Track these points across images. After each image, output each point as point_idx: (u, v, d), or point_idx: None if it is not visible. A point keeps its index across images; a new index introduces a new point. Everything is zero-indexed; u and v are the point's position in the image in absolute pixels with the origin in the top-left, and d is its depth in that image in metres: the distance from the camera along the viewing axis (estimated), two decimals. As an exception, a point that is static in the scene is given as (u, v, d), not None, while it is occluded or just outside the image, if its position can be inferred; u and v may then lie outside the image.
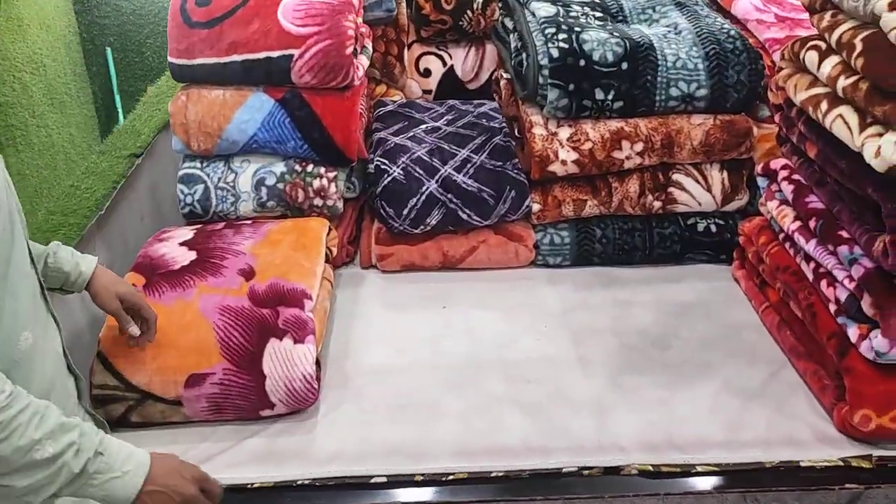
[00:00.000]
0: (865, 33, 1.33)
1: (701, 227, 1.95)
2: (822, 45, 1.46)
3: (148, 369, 1.41)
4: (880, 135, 1.27)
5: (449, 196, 1.87)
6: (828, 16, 1.45)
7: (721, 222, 1.96)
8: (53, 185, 3.49)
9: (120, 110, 4.45)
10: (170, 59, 1.83)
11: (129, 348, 1.42)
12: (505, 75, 2.12)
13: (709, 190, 1.91)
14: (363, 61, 1.95)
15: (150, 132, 2.50)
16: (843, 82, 1.37)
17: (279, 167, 1.89)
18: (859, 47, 1.32)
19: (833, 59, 1.42)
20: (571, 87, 1.79)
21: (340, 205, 1.92)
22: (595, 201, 1.90)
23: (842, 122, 1.37)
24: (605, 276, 1.94)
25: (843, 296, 1.44)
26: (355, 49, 1.87)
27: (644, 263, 1.97)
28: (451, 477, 1.35)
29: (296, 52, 1.78)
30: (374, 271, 1.97)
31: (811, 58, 1.48)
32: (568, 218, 1.93)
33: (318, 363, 1.53)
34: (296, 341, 1.46)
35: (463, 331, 1.74)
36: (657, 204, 1.91)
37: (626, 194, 1.90)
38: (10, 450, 0.90)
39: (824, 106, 1.42)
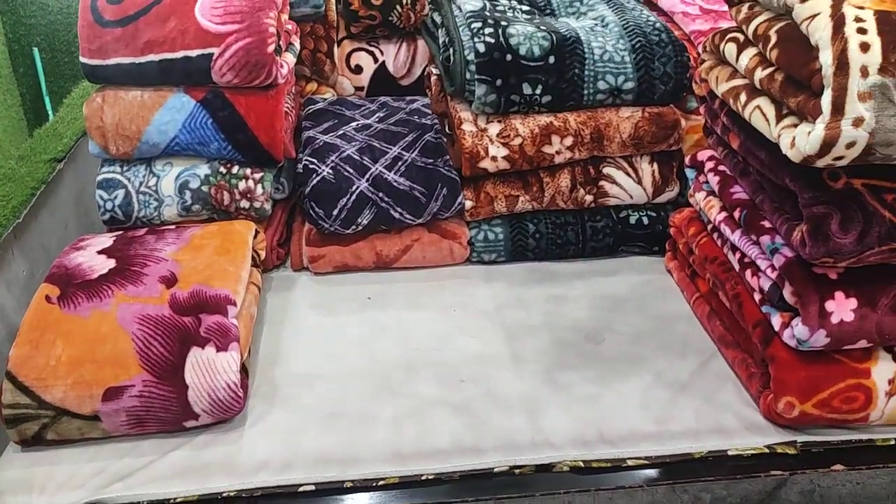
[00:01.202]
0: (779, 25, 1.34)
1: (633, 219, 1.96)
2: (741, 37, 1.48)
3: (62, 385, 1.35)
4: (795, 125, 1.28)
5: (380, 195, 1.84)
6: (745, 8, 1.47)
7: (653, 214, 1.97)
8: (-21, 191, 3.35)
9: (50, 112, 4.30)
10: (82, 58, 1.76)
11: (42, 365, 1.36)
12: (435, 71, 2.10)
13: (639, 182, 1.92)
14: (288, 59, 1.91)
15: (73, 135, 2.41)
16: (759, 74, 1.38)
17: (203, 169, 1.84)
18: (774, 39, 1.34)
19: (750, 51, 1.43)
20: (499, 82, 1.78)
21: (268, 206, 1.88)
22: (527, 196, 1.89)
23: (759, 114, 1.38)
24: (540, 272, 1.94)
25: (766, 285, 1.46)
26: (278, 46, 1.82)
27: (578, 257, 1.98)
28: (381, 482, 1.33)
29: (215, 51, 1.73)
30: (305, 274, 1.94)
31: (730, 50, 1.49)
32: (501, 214, 1.92)
33: (244, 370, 1.49)
34: (219, 349, 1.41)
35: (395, 333, 1.71)
36: (589, 198, 1.92)
37: (557, 189, 1.90)
38: None
39: (743, 97, 1.44)
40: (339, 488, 1.32)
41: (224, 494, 1.31)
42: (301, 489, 1.32)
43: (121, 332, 1.42)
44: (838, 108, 1.17)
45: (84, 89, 2.69)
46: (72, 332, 1.41)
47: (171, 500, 1.30)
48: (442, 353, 1.65)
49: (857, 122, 1.17)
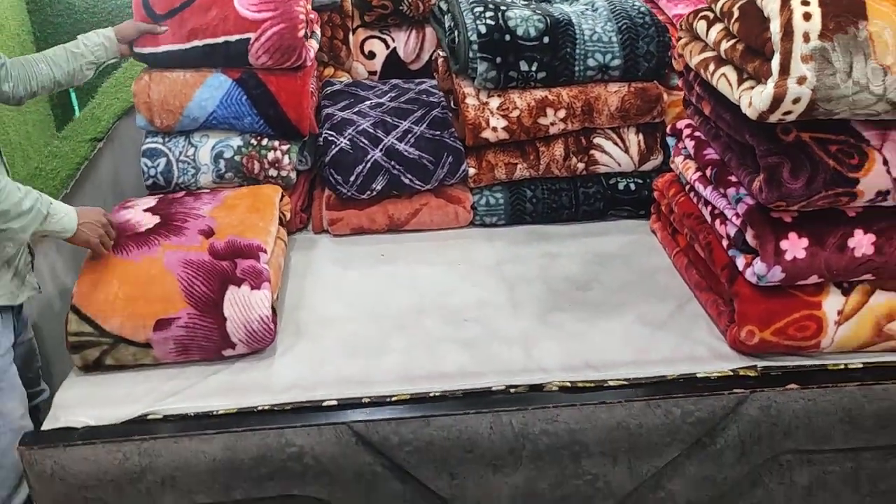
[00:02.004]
0: (741, 2, 1.54)
1: (622, 185, 2.16)
2: (710, 14, 1.67)
3: (119, 316, 1.57)
4: (752, 88, 1.48)
5: (392, 163, 2.05)
6: (714, -12, 1.67)
7: (639, 181, 2.17)
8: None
9: (76, 107, 4.52)
10: (136, 48, 1.98)
11: (101, 300, 1.58)
12: (442, 54, 2.31)
13: (626, 151, 2.12)
14: (313, 44, 2.12)
15: (109, 118, 2.65)
16: (724, 45, 1.58)
17: (236, 141, 2.05)
18: (736, 14, 1.54)
19: (718, 27, 1.63)
20: (498, 59, 1.98)
21: (294, 175, 2.09)
22: (524, 164, 2.10)
23: (725, 80, 1.58)
24: (537, 233, 2.14)
25: (732, 231, 1.66)
26: (306, 32, 2.03)
27: (572, 220, 2.18)
28: (394, 398, 1.54)
29: (252, 36, 1.95)
30: (326, 236, 2.15)
31: (701, 26, 1.69)
32: (501, 181, 2.12)
33: (273, 311, 1.70)
34: (252, 288, 1.62)
35: (406, 284, 1.91)
36: (581, 165, 2.12)
37: (552, 157, 2.10)
38: (7, 205, 1.45)
39: (712, 67, 1.64)
40: (358, 403, 1.53)
41: (259, 408, 1.52)
42: (325, 403, 1.52)
43: (168, 273, 1.63)
44: (785, 69, 1.37)
45: (116, 79, 2.93)
46: (126, 273, 1.63)
47: (214, 412, 1.51)
48: (448, 299, 1.85)
49: (801, 80, 1.37)
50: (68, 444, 1.44)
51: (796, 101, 1.38)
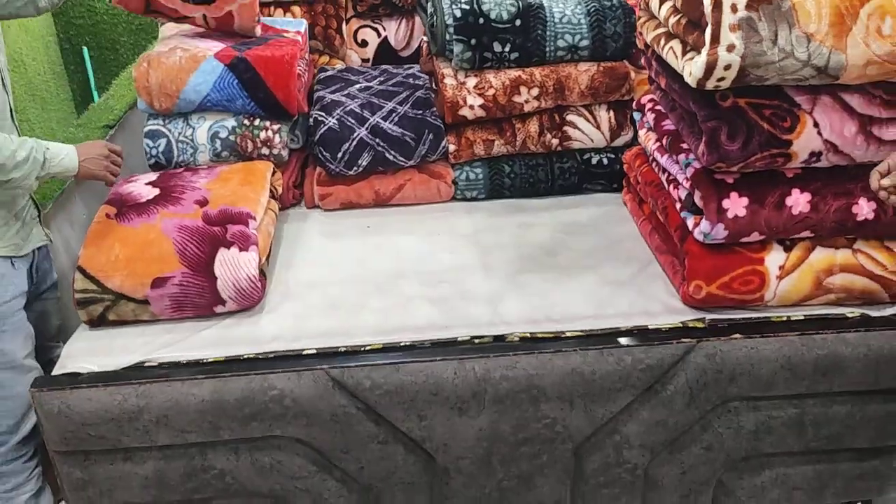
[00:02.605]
0: (686, -20, 1.67)
1: (595, 160, 2.29)
2: (663, -7, 1.80)
3: (120, 275, 1.73)
4: (692, 59, 1.60)
5: (377, 140, 2.19)
6: (664, -31, 1.79)
7: (612, 156, 2.29)
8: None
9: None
10: None
11: (104, 261, 1.74)
12: (425, 38, 2.45)
13: (598, 127, 2.25)
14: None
15: (121, 108, 2.82)
16: (672, 20, 1.71)
17: (230, 122, 2.21)
18: (680, -9, 1.66)
19: (668, 4, 1.75)
20: (473, 41, 2.12)
21: (285, 153, 2.24)
22: (502, 141, 2.23)
23: (672, 53, 1.70)
24: (514, 206, 2.27)
25: (683, 194, 1.78)
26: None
27: (548, 194, 2.31)
28: (368, 347, 1.68)
29: None
30: (317, 210, 2.30)
31: (654, 4, 1.81)
32: (480, 156, 2.26)
33: (262, 273, 1.85)
34: (241, 250, 1.78)
35: (388, 251, 2.06)
36: (555, 141, 2.25)
37: (528, 134, 2.24)
38: (2, 159, 1.58)
39: (663, 42, 1.76)
40: (335, 351, 1.67)
41: (245, 356, 1.67)
42: (304, 352, 1.67)
43: (164, 237, 1.79)
44: (715, 38, 1.50)
45: (129, 73, 3.11)
46: (126, 238, 1.79)
47: (204, 360, 1.66)
48: (425, 264, 1.99)
49: (730, 48, 1.49)
50: (74, 386, 1.60)
51: (727, 67, 1.51)
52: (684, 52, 1.65)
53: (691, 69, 1.57)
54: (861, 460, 1.82)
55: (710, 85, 1.55)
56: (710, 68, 1.51)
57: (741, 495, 1.84)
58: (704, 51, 1.51)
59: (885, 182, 1.37)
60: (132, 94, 2.98)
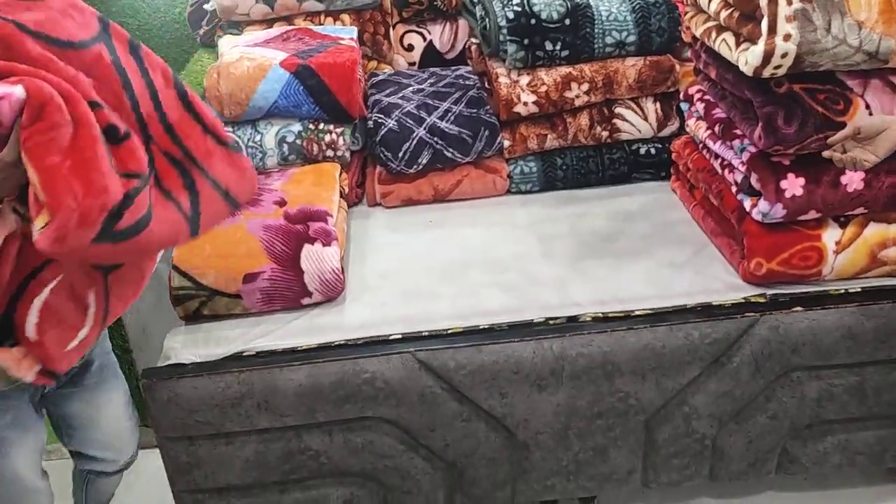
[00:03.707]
0: (736, -24, 1.77)
1: (643, 150, 2.39)
2: (711, -12, 1.91)
3: (213, 272, 1.84)
4: (748, 49, 1.71)
5: (435, 139, 2.31)
6: (713, -34, 1.90)
7: (659, 146, 2.39)
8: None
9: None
10: None
11: (197, 260, 1.86)
12: (474, 41, 2.56)
13: (645, 119, 2.35)
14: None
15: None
16: (723, 14, 1.81)
17: (296, 127, 2.33)
18: (732, -14, 1.77)
19: (718, -1, 1.86)
20: (526, 41, 2.23)
21: (348, 155, 2.36)
22: (554, 135, 2.34)
23: (725, 45, 1.80)
24: (567, 197, 2.38)
25: (739, 178, 1.88)
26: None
27: (599, 185, 2.41)
28: (449, 331, 1.79)
29: None
30: (379, 208, 2.41)
31: (703, 0, 1.92)
32: (533, 151, 2.37)
33: (341, 269, 1.96)
34: (324, 245, 1.89)
35: (452, 243, 2.16)
36: (605, 133, 2.35)
37: (579, 127, 2.34)
38: None
39: (714, 35, 1.86)
40: (419, 336, 1.78)
41: (336, 343, 1.78)
42: (391, 337, 1.78)
43: (250, 236, 1.91)
44: (772, 29, 1.60)
45: (184, 75, 3.26)
46: (215, 238, 1.90)
47: (298, 348, 1.78)
48: (489, 253, 2.09)
49: (787, 37, 1.59)
50: (180, 376, 1.72)
51: (784, 56, 1.61)
52: (738, 44, 1.75)
53: (748, 58, 1.67)
54: (918, 424, 1.92)
55: (766, 73, 1.66)
56: (767, 57, 1.62)
57: (805, 462, 1.93)
58: (762, 41, 1.62)
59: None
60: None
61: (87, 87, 1.21)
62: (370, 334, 1.80)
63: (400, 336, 1.79)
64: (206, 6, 2.96)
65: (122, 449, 1.83)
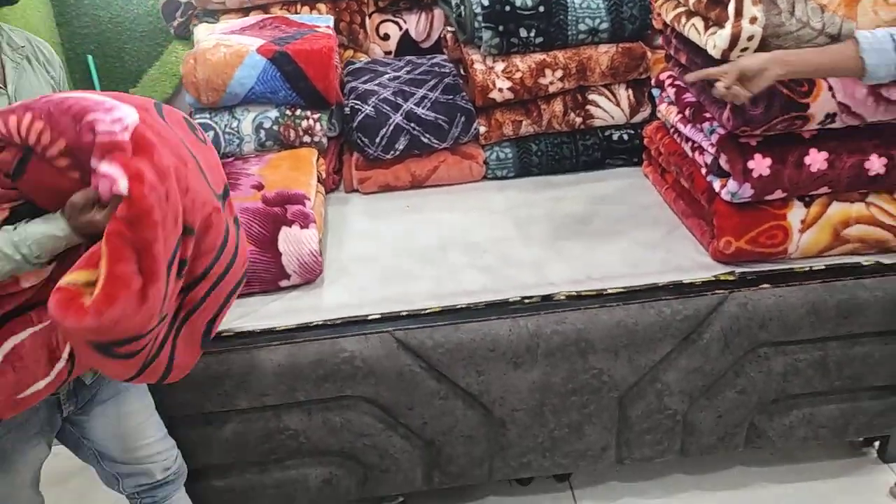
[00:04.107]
0: (704, -38, 1.82)
1: (616, 136, 2.44)
2: (681, -25, 1.95)
3: (192, 254, 1.86)
4: (715, 32, 1.75)
5: (412, 125, 2.33)
6: (682, -47, 1.94)
7: (632, 132, 2.44)
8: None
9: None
10: None
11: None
12: (450, 29, 2.59)
13: (618, 105, 2.40)
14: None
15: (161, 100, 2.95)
16: (692, 0, 1.86)
17: (273, 113, 2.34)
18: (700, -28, 1.81)
19: (687, -15, 1.91)
20: (501, 28, 2.26)
21: (325, 140, 2.38)
22: (529, 121, 2.38)
23: (694, 30, 1.85)
24: (542, 182, 2.42)
25: (708, 160, 1.93)
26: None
27: (573, 170, 2.45)
28: (427, 310, 1.82)
29: None
30: (356, 194, 2.43)
31: (673, -14, 1.96)
32: (509, 137, 2.40)
33: (320, 252, 1.98)
34: (302, 227, 1.91)
35: (430, 227, 2.19)
36: (578, 120, 2.40)
37: (553, 114, 2.38)
38: None
39: (683, 20, 1.91)
40: (398, 315, 1.81)
41: (314, 323, 1.80)
42: (370, 317, 1.81)
43: (229, 219, 1.92)
44: (738, 12, 1.65)
45: (158, 67, 3.26)
46: (194, 221, 1.92)
47: (276, 328, 1.79)
48: (467, 237, 2.13)
49: (753, 20, 1.64)
50: (159, 356, 1.73)
51: (750, 38, 1.66)
52: (706, 28, 1.80)
53: (716, 41, 1.72)
54: (881, 398, 1.98)
55: (734, 56, 1.70)
56: (734, 40, 1.67)
57: (772, 435, 1.99)
58: (729, 24, 1.67)
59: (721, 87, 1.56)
60: (163, 87, 3.13)
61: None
62: (348, 313, 1.82)
63: (378, 316, 1.81)
64: (180, -3, 2.96)
65: (142, 459, 1.64)
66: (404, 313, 1.81)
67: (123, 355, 1.28)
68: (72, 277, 1.19)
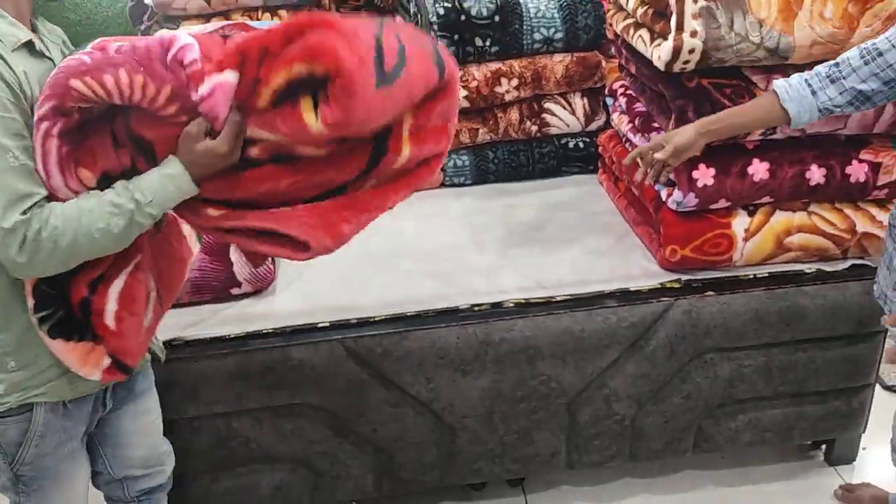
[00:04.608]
0: (649, -25, 1.85)
1: (571, 144, 2.47)
2: (630, -13, 1.99)
3: (142, 262, 1.86)
4: (660, 45, 1.79)
5: (369, 133, 2.34)
6: (630, -34, 1.98)
7: (587, 140, 2.47)
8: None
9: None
10: None
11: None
12: (409, 37, 2.61)
13: (573, 114, 2.43)
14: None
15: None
16: (640, 11, 1.89)
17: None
18: (645, -15, 1.85)
19: (635, -3, 1.94)
20: (456, 37, 2.29)
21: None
22: (485, 129, 2.40)
23: (641, 41, 1.88)
24: (499, 189, 2.45)
25: (656, 169, 1.96)
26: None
27: (530, 178, 2.48)
28: (377, 318, 1.83)
29: None
30: (314, 201, 2.44)
31: (623, -2, 2.00)
32: (466, 145, 2.43)
33: (272, 260, 1.99)
34: (254, 235, 1.92)
35: (385, 234, 2.16)
36: (534, 128, 2.42)
37: (509, 122, 2.41)
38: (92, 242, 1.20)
39: (632, 31, 1.94)
40: (347, 323, 1.82)
41: (264, 331, 1.81)
42: (319, 325, 1.82)
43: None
44: (680, 26, 1.68)
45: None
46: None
47: (227, 336, 1.80)
48: (422, 244, 2.15)
49: (693, 33, 1.68)
50: (107, 365, 1.73)
51: (692, 51, 1.69)
52: (652, 40, 1.83)
53: (660, 54, 1.75)
54: (823, 402, 2.02)
55: (676, 67, 1.74)
56: (676, 52, 1.70)
57: (719, 440, 2.02)
58: (671, 37, 1.70)
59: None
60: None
61: None
62: (299, 323, 1.83)
63: (328, 324, 1.82)
64: (147, 0, 2.95)
65: (161, 458, 1.62)
66: (354, 321, 1.83)
67: (393, 70, 1.19)
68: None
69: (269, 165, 1.28)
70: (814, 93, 1.51)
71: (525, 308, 1.85)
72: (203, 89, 1.18)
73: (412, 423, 1.87)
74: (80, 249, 1.19)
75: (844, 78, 1.48)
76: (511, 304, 1.86)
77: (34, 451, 1.34)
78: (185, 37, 1.21)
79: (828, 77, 1.50)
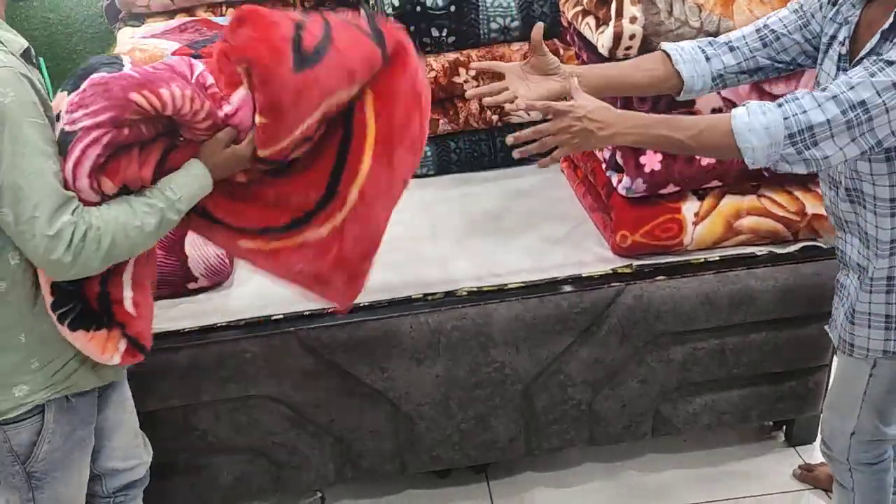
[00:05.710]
0: (596, -39, 1.86)
1: (533, 133, 2.47)
2: (578, -26, 1.99)
3: (97, 260, 1.87)
4: (602, 31, 1.79)
5: (329, 126, 2.35)
6: (578, -47, 1.98)
7: (548, 128, 2.48)
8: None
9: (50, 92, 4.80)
10: None
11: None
12: (370, 29, 2.61)
13: (533, 102, 2.43)
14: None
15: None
16: (586, -1, 1.90)
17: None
18: (592, -28, 1.85)
19: (583, -17, 1.95)
20: (412, 28, 2.29)
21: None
22: (446, 119, 2.41)
23: (588, 28, 1.89)
24: (461, 179, 2.46)
25: (607, 155, 1.97)
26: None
27: (492, 167, 2.49)
28: (329, 309, 1.85)
29: None
30: (278, 195, 2.45)
31: (572, -16, 2.00)
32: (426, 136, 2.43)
33: (230, 258, 2.00)
34: (208, 230, 1.93)
35: (346, 226, 2.22)
36: (495, 118, 2.43)
37: (469, 112, 2.42)
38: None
39: (580, 18, 1.95)
40: (300, 315, 1.84)
41: (218, 324, 1.83)
42: (273, 317, 1.84)
43: (137, 224, 1.94)
44: (619, 12, 1.69)
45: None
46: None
47: (182, 330, 1.82)
48: (380, 235, 2.16)
49: (633, 19, 1.68)
50: (62, 362, 1.75)
51: (632, 37, 1.70)
52: (597, 26, 1.84)
53: (602, 41, 1.76)
54: (779, 383, 2.04)
55: (619, 53, 1.75)
56: (617, 38, 1.71)
57: (677, 423, 2.04)
58: (611, 23, 1.71)
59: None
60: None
61: None
62: (253, 315, 1.85)
63: (281, 316, 1.84)
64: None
65: (142, 447, 1.67)
66: (307, 313, 1.84)
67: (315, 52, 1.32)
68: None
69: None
70: (708, 59, 1.51)
71: (478, 296, 1.87)
72: (231, 105, 1.36)
73: (369, 412, 1.89)
74: (118, 248, 1.29)
75: (742, 52, 1.51)
76: (464, 293, 1.88)
77: (47, 447, 1.41)
78: (199, 63, 1.40)
79: (727, 45, 1.51)
